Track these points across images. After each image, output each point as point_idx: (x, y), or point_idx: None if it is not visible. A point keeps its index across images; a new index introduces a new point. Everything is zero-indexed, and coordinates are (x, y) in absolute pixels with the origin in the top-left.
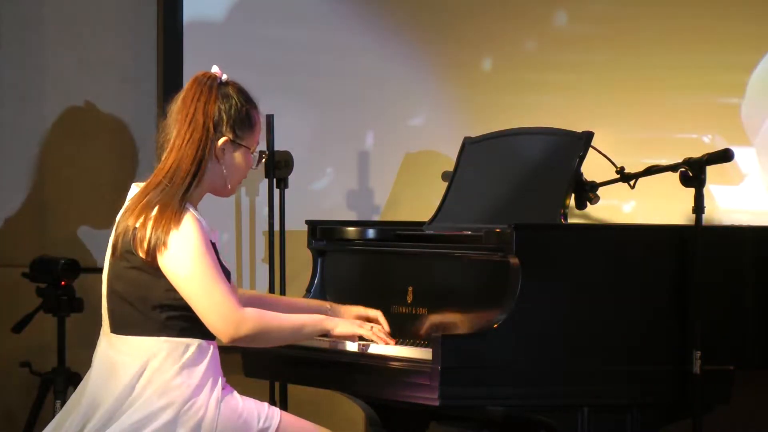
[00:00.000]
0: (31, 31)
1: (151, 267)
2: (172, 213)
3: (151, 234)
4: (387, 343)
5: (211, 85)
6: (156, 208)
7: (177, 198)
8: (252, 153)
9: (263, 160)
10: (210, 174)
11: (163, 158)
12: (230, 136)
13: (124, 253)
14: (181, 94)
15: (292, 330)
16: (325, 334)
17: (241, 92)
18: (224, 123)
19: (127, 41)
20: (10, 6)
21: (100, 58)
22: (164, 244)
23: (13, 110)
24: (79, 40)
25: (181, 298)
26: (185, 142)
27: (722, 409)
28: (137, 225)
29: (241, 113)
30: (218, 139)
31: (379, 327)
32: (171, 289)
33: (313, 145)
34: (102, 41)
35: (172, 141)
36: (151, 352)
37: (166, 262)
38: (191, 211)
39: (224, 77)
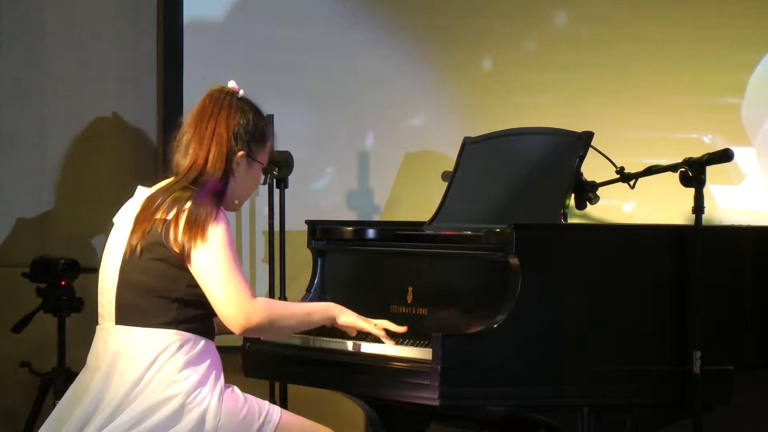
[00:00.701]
0: (31, 31)
1: (178, 260)
2: (205, 210)
3: (187, 229)
4: (386, 341)
5: (230, 101)
6: (188, 205)
7: (209, 198)
8: (262, 169)
9: (269, 176)
10: (231, 186)
11: (183, 169)
12: (246, 151)
13: (152, 245)
14: (198, 109)
15: (301, 317)
16: (332, 323)
17: (255, 108)
18: (242, 138)
19: (127, 41)
20: (10, 6)
21: (100, 58)
22: (201, 238)
23: (13, 110)
24: (79, 40)
25: (200, 295)
26: (212, 156)
27: (722, 409)
28: (168, 218)
29: (257, 129)
30: (236, 153)
31: (384, 323)
32: (192, 285)
33: (313, 145)
34: (102, 41)
35: (194, 154)
36: (163, 344)
37: (195, 254)
38: (222, 210)
39: (241, 92)
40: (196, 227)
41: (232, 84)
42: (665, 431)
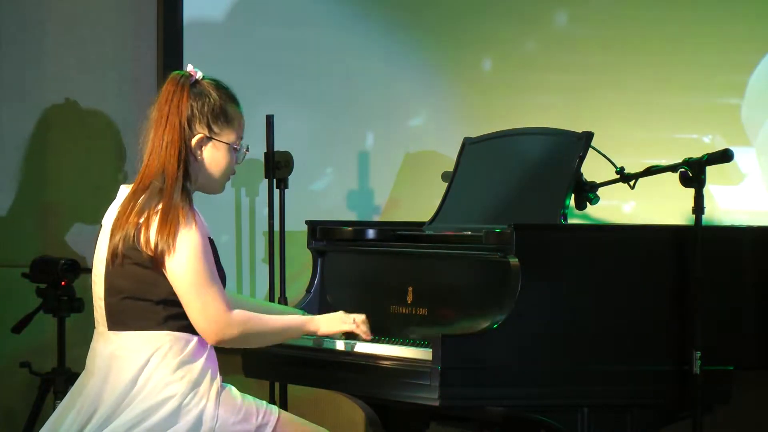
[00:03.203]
0: (31, 31)
1: (154, 263)
2: (176, 213)
3: (158, 234)
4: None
5: (183, 84)
6: (160, 206)
7: (178, 198)
8: (236, 148)
9: (245, 154)
10: (194, 172)
11: (145, 160)
12: (205, 132)
13: (128, 250)
14: (158, 96)
15: (275, 333)
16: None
17: (217, 88)
18: (197, 120)
19: (127, 41)
20: (10, 6)
21: (100, 58)
22: (171, 245)
23: (13, 110)
24: (79, 40)
25: None
26: (165, 143)
27: (722, 409)
28: (140, 221)
29: (215, 110)
30: (192, 137)
31: (363, 318)
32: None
33: (313, 145)
34: (102, 41)
35: (151, 142)
36: (154, 346)
37: (169, 261)
38: (195, 210)
39: (198, 75)
40: (167, 233)
41: (189, 68)
42: (665, 431)
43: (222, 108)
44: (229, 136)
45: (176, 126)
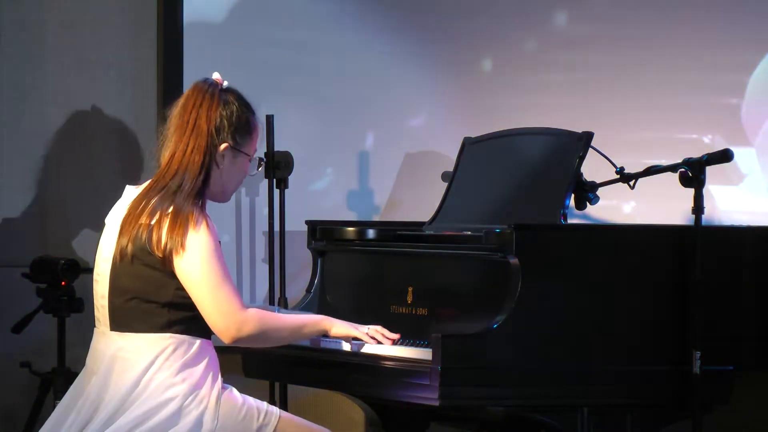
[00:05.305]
0: (32, 32)
1: (163, 265)
2: (187, 216)
3: (168, 235)
4: (382, 343)
5: (212, 92)
6: (171, 209)
7: (190, 201)
8: (250, 160)
9: (261, 167)
10: (214, 179)
11: (164, 163)
12: (230, 142)
13: (138, 251)
14: (182, 100)
15: (291, 330)
16: (324, 335)
17: (241, 99)
18: (225, 129)
19: (127, 41)
20: (10, 7)
21: (100, 58)
22: (181, 246)
23: (13, 111)
24: (79, 40)
25: (189, 297)
26: (190, 148)
27: (722, 409)
28: (152, 222)
29: (241, 120)
30: (219, 145)
31: (376, 328)
32: (181, 288)
33: (313, 145)
34: (102, 42)
35: (173, 146)
36: (158, 348)
37: (180, 263)
38: (206, 213)
39: (225, 84)
40: (177, 235)
41: (216, 76)
42: (665, 431)
43: (247, 119)
44: (249, 148)
45: (204, 132)
